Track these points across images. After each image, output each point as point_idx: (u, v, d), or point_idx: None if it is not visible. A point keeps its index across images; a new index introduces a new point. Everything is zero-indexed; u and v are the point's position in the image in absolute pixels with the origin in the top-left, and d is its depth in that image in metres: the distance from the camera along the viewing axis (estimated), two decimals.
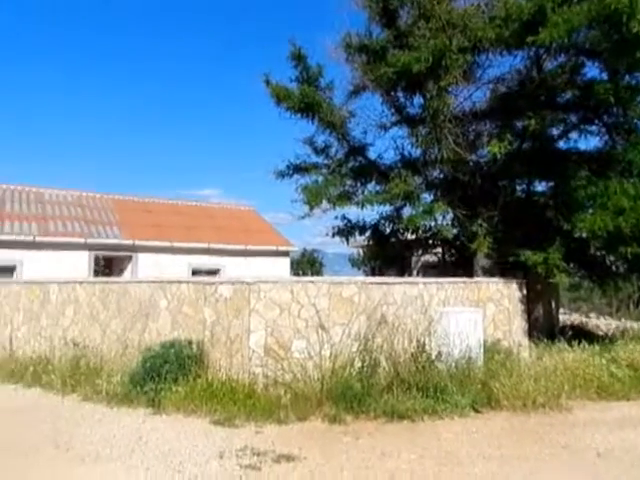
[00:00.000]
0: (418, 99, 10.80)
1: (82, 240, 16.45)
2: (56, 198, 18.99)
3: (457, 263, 12.69)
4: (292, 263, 21.72)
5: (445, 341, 7.96)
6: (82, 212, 18.43)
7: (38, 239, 15.75)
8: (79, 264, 16.11)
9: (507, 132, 9.68)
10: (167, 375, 6.91)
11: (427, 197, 11.38)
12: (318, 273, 34.49)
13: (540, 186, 11.82)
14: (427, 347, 7.80)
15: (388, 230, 12.58)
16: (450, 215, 11.41)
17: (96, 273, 16.49)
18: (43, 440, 5.56)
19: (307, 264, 38.48)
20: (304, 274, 29.82)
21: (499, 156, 9.35)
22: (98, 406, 6.93)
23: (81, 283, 9.68)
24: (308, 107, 10.50)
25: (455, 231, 11.32)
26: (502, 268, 10.80)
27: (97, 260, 16.86)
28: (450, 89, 9.87)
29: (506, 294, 10.06)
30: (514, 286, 10.24)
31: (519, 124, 10.47)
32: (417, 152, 11.24)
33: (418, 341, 7.83)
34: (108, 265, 18.24)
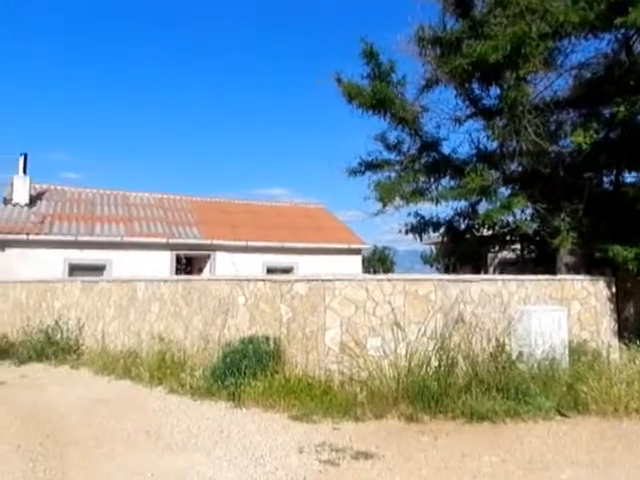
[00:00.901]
0: (495, 90, 10.42)
1: (164, 240, 17.32)
2: (140, 201, 20.12)
3: (537, 260, 12.16)
4: (363, 260, 21.69)
5: (526, 341, 7.67)
6: (164, 213, 19.40)
7: (125, 239, 16.77)
8: (162, 263, 16.99)
9: (592, 120, 9.13)
10: (246, 370, 7.13)
11: (504, 191, 10.98)
12: (389, 271, 34.26)
13: (630, 177, 11.08)
14: (507, 347, 7.55)
15: (463, 226, 12.27)
16: (529, 210, 10.93)
17: (177, 271, 17.29)
18: (135, 429, 5.92)
19: (378, 261, 38.32)
20: (375, 272, 29.70)
21: (584, 146, 8.84)
22: (183, 398, 7.27)
23: (165, 281, 10.18)
24: (380, 103, 10.42)
25: (535, 226, 10.84)
26: (588, 265, 10.22)
27: (179, 259, 17.67)
28: (529, 78, 9.45)
29: (593, 292, 9.52)
30: (601, 284, 9.67)
31: (606, 112, 9.84)
32: (493, 145, 10.87)
33: (497, 340, 7.60)
34: (188, 264, 19.06)
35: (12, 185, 17.63)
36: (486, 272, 14.67)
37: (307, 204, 24.65)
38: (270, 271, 17.90)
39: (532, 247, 12.39)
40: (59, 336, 11.14)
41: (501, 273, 14.40)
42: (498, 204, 9.91)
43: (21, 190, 17.42)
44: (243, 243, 18.34)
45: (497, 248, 13.45)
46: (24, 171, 17.63)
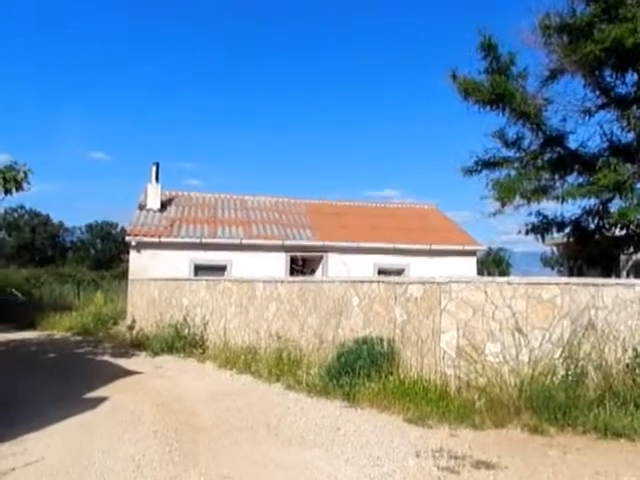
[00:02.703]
0: (631, 76, 9.56)
1: (280, 242, 18.00)
2: (257, 204, 21.12)
3: None
4: (477, 262, 20.86)
5: None
6: (279, 216, 20.17)
7: (244, 241, 17.69)
8: (277, 264, 17.68)
9: None
10: (360, 370, 7.17)
11: None
12: (504, 273, 32.58)
13: None
14: None
15: (592, 226, 11.36)
16: None
17: (292, 272, 17.87)
18: (257, 422, 6.21)
19: (493, 263, 36.65)
20: (490, 274, 28.41)
21: None
22: (300, 395, 7.50)
23: (282, 282, 10.58)
24: (499, 98, 10.01)
25: None
26: None
27: (294, 260, 18.27)
28: None
29: None
30: None
31: None
32: (629, 137, 9.98)
33: (635, 351, 6.91)
34: (302, 264, 19.63)
35: (145, 192, 19.37)
36: (618, 276, 13.44)
37: (419, 204, 24.27)
38: (381, 272, 17.85)
39: None
40: (186, 331, 12.02)
41: (636, 277, 13.10)
42: (635, 201, 9.05)
43: (153, 197, 19.08)
44: (354, 244, 18.50)
45: (632, 250, 12.25)
46: (156, 179, 19.28)
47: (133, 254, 17.08)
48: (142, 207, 19.12)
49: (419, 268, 18.19)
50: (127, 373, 9.38)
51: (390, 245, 18.73)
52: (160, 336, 12.10)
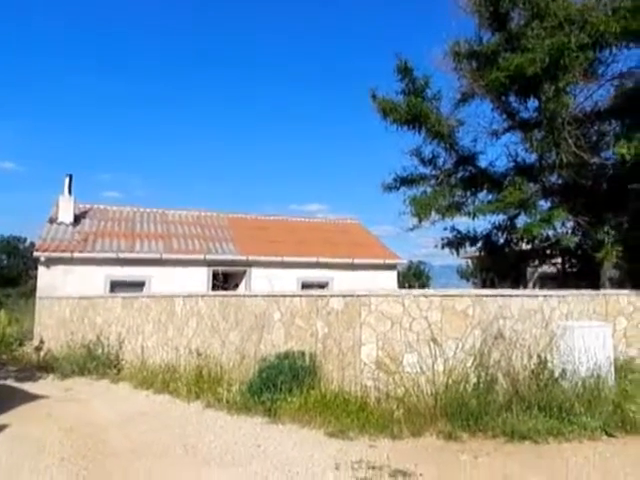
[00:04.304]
0: (532, 102, 10.31)
1: (202, 256, 17.61)
2: (178, 218, 20.58)
3: (579, 274, 11.81)
4: (398, 276, 21.50)
5: (569, 358, 7.40)
6: (201, 230, 19.76)
7: (164, 256, 17.13)
8: (199, 279, 17.26)
9: (636, 131, 8.87)
10: (282, 385, 7.13)
11: (544, 204, 10.79)
12: (424, 286, 33.80)
13: None
14: (549, 364, 7.30)
15: (501, 240, 12.08)
16: (571, 223, 10.69)
17: (214, 287, 17.51)
18: (173, 443, 5.98)
19: (413, 276, 37.90)
20: (410, 287, 29.37)
21: (628, 157, 8.59)
22: (219, 413, 7.31)
23: (202, 297, 10.33)
24: (415, 118, 10.43)
25: (577, 240, 10.56)
26: (634, 279, 9.85)
27: (215, 275, 17.92)
28: (568, 89, 9.30)
29: (639, 307, 9.15)
30: None
31: None
32: (532, 158, 10.73)
33: (539, 357, 7.37)
34: (225, 280, 19.30)
35: (57, 205, 18.32)
36: (525, 287, 14.32)
37: (342, 219, 24.69)
38: (305, 286, 17.93)
39: (574, 261, 12.06)
40: (100, 351, 11.40)
41: (541, 288, 14.03)
42: (538, 217, 9.72)
43: (66, 210, 18.06)
44: (278, 258, 18.47)
45: (537, 262, 13.15)
46: (69, 191, 18.28)
47: (42, 270, 16.04)
48: (53, 221, 18.04)
49: (342, 282, 18.45)
50: (32, 398, 8.72)
51: (314, 259, 18.86)
52: (71, 357, 11.39)
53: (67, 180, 18.26)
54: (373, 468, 5.04)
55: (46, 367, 11.69)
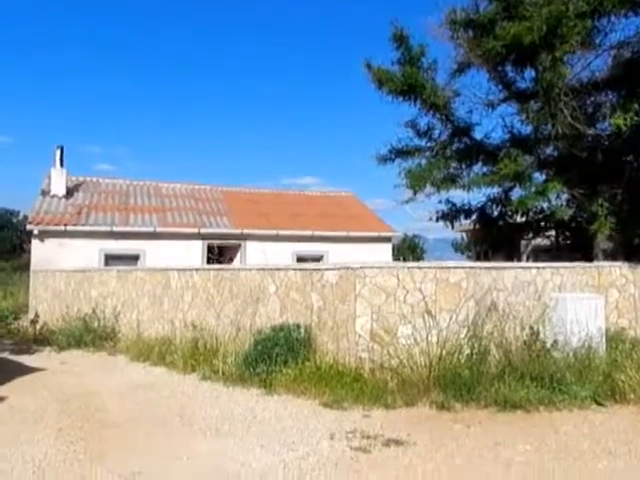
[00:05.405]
0: (529, 72, 10.12)
1: (196, 230, 17.56)
2: (172, 191, 20.43)
3: (573, 246, 11.85)
4: (393, 249, 21.55)
5: (561, 329, 7.51)
6: (195, 204, 19.66)
7: (158, 230, 17.07)
8: (193, 253, 17.25)
9: (633, 102, 8.77)
10: (277, 357, 7.20)
11: (539, 177, 10.72)
12: (419, 259, 33.90)
13: None
14: (541, 335, 7.40)
15: (496, 213, 12.04)
16: (565, 195, 10.66)
17: (209, 261, 17.52)
18: (170, 414, 6.05)
19: (408, 250, 37.95)
20: (405, 260, 29.46)
21: (624, 129, 8.52)
22: (215, 385, 7.40)
23: (197, 270, 10.34)
24: (410, 89, 10.26)
25: (571, 212, 10.56)
26: (627, 251, 9.91)
27: (210, 249, 17.90)
28: (566, 59, 9.15)
29: (631, 279, 9.23)
30: None
31: None
32: (528, 129, 10.59)
33: (531, 328, 7.45)
34: (220, 253, 19.30)
35: (49, 177, 18.12)
36: (519, 259, 14.40)
37: (337, 192, 24.58)
38: (300, 260, 17.95)
39: (567, 234, 12.08)
40: (96, 324, 11.47)
41: (535, 260, 14.13)
42: (532, 190, 9.68)
43: (58, 182, 17.88)
44: (273, 232, 18.44)
45: (531, 235, 13.16)
46: (61, 164, 18.06)
47: (36, 243, 15.96)
48: (46, 193, 17.88)
49: (337, 255, 18.46)
50: (29, 370, 8.78)
51: (309, 232, 18.84)
52: (67, 330, 11.45)
53: (58, 152, 18.01)
54: (367, 437, 5.13)
55: (42, 340, 11.75)
